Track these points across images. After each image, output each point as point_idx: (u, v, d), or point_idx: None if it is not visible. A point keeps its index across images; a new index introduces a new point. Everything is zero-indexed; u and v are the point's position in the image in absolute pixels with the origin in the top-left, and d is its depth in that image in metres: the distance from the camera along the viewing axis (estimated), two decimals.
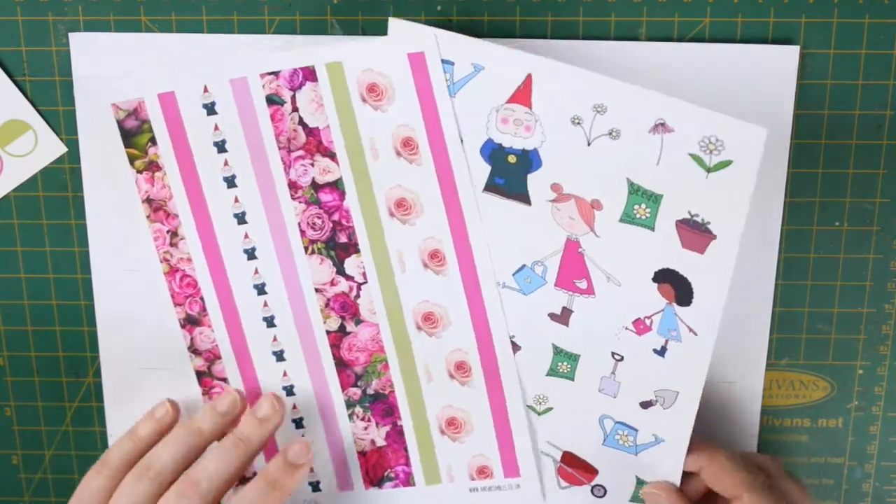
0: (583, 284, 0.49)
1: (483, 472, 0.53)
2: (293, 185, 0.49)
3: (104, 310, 0.52)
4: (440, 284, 0.50)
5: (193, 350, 0.52)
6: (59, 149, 0.50)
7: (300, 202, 0.50)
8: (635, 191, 0.46)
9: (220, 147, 0.49)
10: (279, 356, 0.52)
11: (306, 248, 0.50)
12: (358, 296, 0.51)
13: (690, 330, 0.47)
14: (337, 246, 0.50)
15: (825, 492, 0.55)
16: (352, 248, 0.50)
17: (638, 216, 0.47)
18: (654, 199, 0.46)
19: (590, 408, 0.51)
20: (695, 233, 0.46)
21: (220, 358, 0.52)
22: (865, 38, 0.48)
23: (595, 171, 0.47)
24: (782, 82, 0.48)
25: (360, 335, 0.52)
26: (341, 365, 0.52)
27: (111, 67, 0.49)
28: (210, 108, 0.49)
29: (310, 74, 0.48)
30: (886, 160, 0.50)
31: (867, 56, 0.49)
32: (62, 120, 0.50)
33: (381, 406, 0.52)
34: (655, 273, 0.47)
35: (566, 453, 0.52)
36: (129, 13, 0.49)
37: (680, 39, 0.48)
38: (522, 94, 0.46)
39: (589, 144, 0.46)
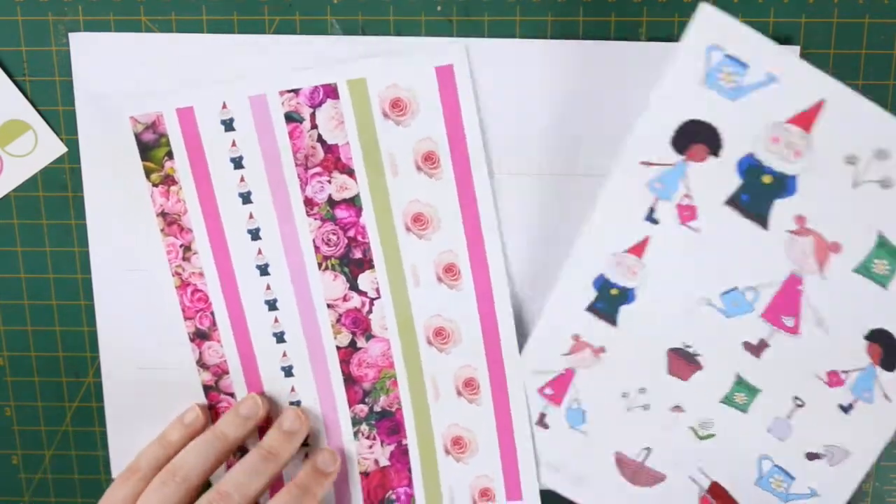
0: (790, 322, 0.47)
1: (485, 494, 0.53)
2: (309, 202, 0.50)
3: (104, 310, 0.52)
4: (454, 299, 0.50)
5: (202, 364, 0.52)
6: (59, 149, 0.50)
7: (315, 219, 0.50)
8: (882, 245, 0.45)
9: (237, 163, 0.49)
10: (287, 371, 0.52)
11: (320, 265, 0.50)
12: (370, 311, 0.51)
13: (885, 396, 0.46)
14: (351, 262, 0.50)
15: None
16: (366, 263, 0.50)
17: (875, 270, 0.45)
18: None
19: (753, 445, 0.49)
20: None
21: (227, 373, 0.52)
22: (865, 38, 0.48)
23: (849, 215, 0.45)
24: None
25: (371, 351, 0.52)
26: (350, 381, 0.52)
27: (112, 68, 0.49)
28: (228, 125, 0.49)
29: (331, 92, 0.48)
30: None
31: (867, 56, 0.48)
32: (62, 120, 0.50)
33: (388, 424, 0.52)
34: (871, 331, 0.46)
35: (714, 484, 0.51)
36: (129, 13, 0.49)
37: (680, 39, 0.48)
38: (806, 117, 0.44)
39: (854, 187, 0.44)
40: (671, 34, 0.48)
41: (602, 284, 0.48)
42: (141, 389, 0.53)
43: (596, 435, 0.51)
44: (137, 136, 0.49)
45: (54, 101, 0.50)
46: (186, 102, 0.49)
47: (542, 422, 0.52)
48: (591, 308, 0.49)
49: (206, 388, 0.52)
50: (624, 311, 0.48)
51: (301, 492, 0.48)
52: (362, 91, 0.48)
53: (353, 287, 0.51)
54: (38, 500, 0.56)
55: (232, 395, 0.52)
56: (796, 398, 0.48)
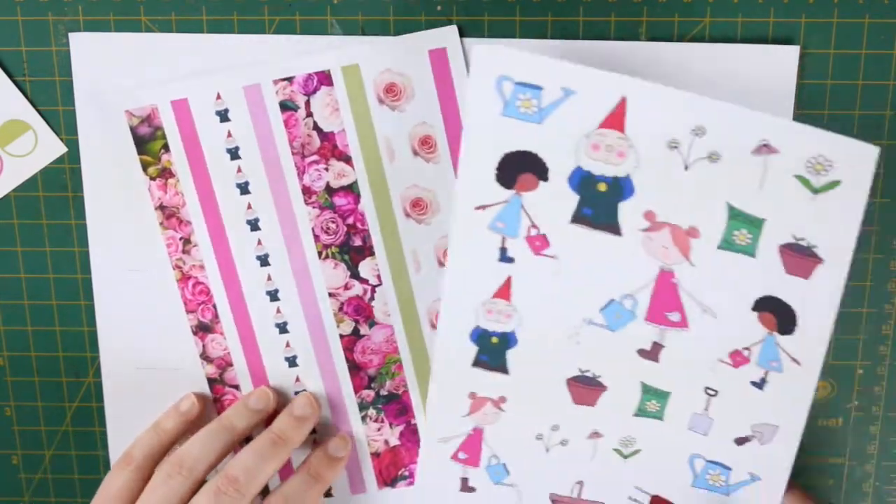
0: (675, 317, 0.46)
1: None
2: (307, 191, 0.50)
3: (104, 310, 0.52)
4: None
5: (205, 357, 0.52)
6: (59, 149, 0.50)
7: (314, 207, 0.50)
8: (736, 216, 0.44)
9: (234, 154, 0.49)
10: (292, 362, 0.52)
11: (320, 253, 0.50)
12: (372, 298, 0.51)
13: (793, 360, 0.45)
14: (351, 249, 0.50)
15: (825, 492, 0.55)
16: (366, 250, 0.50)
17: (738, 242, 0.45)
18: (755, 224, 0.44)
19: (679, 448, 0.49)
20: (800, 257, 0.44)
21: (231, 365, 0.52)
22: (865, 38, 0.48)
23: (692, 197, 0.44)
24: (782, 82, 0.48)
25: (374, 337, 0.52)
26: (354, 368, 0.52)
27: (111, 67, 0.49)
28: (223, 115, 0.49)
29: (325, 78, 0.48)
30: (886, 160, 0.50)
31: (867, 56, 0.49)
32: (62, 120, 0.50)
33: (395, 406, 0.53)
34: (756, 302, 0.45)
35: (655, 497, 0.50)
36: (129, 13, 0.49)
37: (680, 39, 0.48)
38: (615, 119, 0.44)
39: (686, 169, 0.44)
40: (671, 34, 0.48)
41: (480, 336, 0.48)
42: (141, 389, 0.53)
43: (524, 484, 0.51)
44: (133, 130, 0.49)
45: (54, 101, 0.50)
46: (181, 94, 0.49)
47: (465, 486, 0.52)
48: (477, 362, 0.48)
49: (211, 381, 0.52)
50: (511, 356, 0.48)
51: (312, 479, 0.48)
52: (356, 77, 0.48)
53: (354, 275, 0.51)
54: (38, 500, 0.56)
55: (237, 387, 0.52)
56: (708, 389, 0.47)
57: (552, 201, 0.45)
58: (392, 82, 0.48)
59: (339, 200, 0.50)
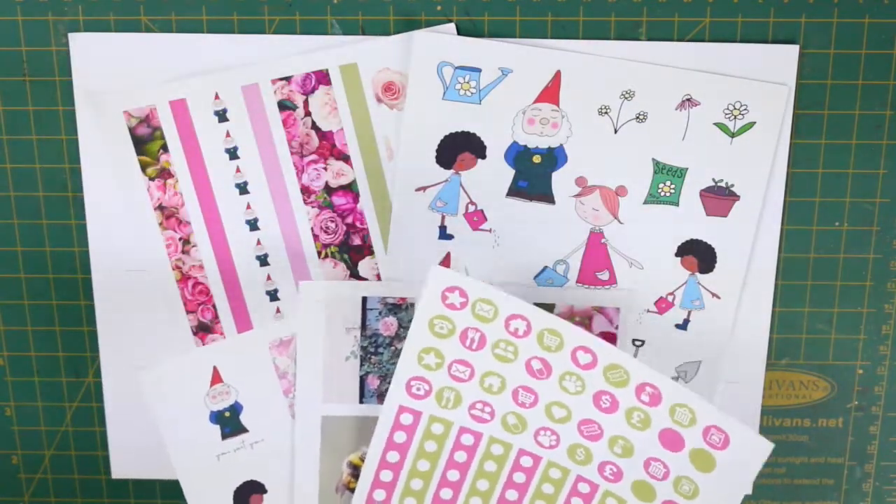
0: (605, 276, 0.49)
1: None
2: (306, 190, 0.50)
3: (104, 310, 0.52)
4: None
5: None
6: None
7: (313, 206, 0.50)
8: (661, 169, 0.48)
9: (232, 154, 0.49)
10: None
11: (319, 253, 0.50)
12: None
13: (714, 295, 0.49)
14: (351, 248, 0.50)
15: (825, 492, 0.55)
16: (366, 250, 0.50)
17: (663, 194, 0.48)
18: (678, 175, 0.48)
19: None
20: (718, 198, 0.48)
21: None
22: (865, 38, 0.48)
23: (621, 158, 0.48)
24: (782, 82, 0.48)
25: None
26: None
27: (111, 67, 0.49)
28: (221, 115, 0.49)
29: (323, 78, 0.48)
30: (886, 160, 0.50)
31: (867, 56, 0.48)
32: (62, 120, 0.50)
33: None
34: (678, 247, 0.49)
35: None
36: (129, 13, 0.49)
37: (680, 39, 0.48)
38: (550, 92, 0.47)
39: (616, 132, 0.48)
40: (671, 34, 0.48)
41: None
42: (141, 389, 0.53)
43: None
44: (132, 131, 0.49)
45: (54, 101, 0.50)
46: (179, 95, 0.49)
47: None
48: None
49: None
50: None
51: None
52: (354, 76, 0.48)
53: (354, 274, 0.51)
54: (38, 500, 0.56)
55: None
56: (634, 341, 0.50)
57: (490, 177, 0.49)
58: (390, 81, 0.48)
59: (339, 200, 0.50)
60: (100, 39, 0.49)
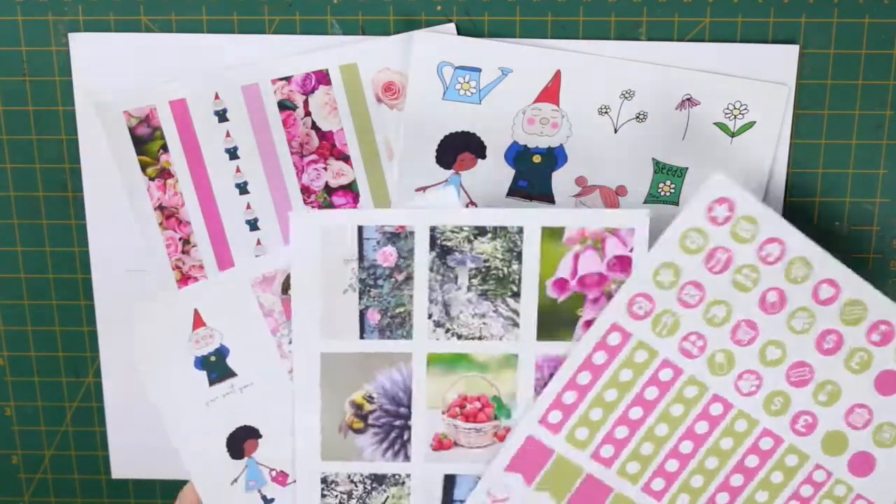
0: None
1: None
2: (306, 190, 0.50)
3: (104, 310, 0.52)
4: None
5: None
6: None
7: (313, 206, 0.50)
8: (661, 169, 0.48)
9: (232, 154, 0.49)
10: None
11: None
12: None
13: None
14: None
15: None
16: None
17: (663, 194, 0.49)
18: (679, 174, 0.48)
19: None
20: None
21: None
22: (865, 38, 0.48)
23: (621, 157, 0.48)
24: (782, 82, 0.48)
25: None
26: None
27: (111, 67, 0.49)
28: (221, 115, 0.49)
29: (323, 78, 0.48)
30: (886, 160, 0.50)
31: (867, 56, 0.48)
32: (62, 120, 0.50)
33: None
34: None
35: None
36: (129, 13, 0.49)
37: (680, 39, 0.48)
38: (550, 92, 0.47)
39: (616, 132, 0.48)
40: (671, 34, 0.48)
41: None
42: (141, 389, 0.53)
43: None
44: (132, 131, 0.49)
45: (54, 101, 0.50)
46: (179, 95, 0.49)
47: None
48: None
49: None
50: None
51: None
52: (354, 76, 0.48)
53: None
54: (38, 500, 0.56)
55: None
56: None
57: (490, 177, 0.49)
58: (390, 81, 0.48)
59: (339, 199, 0.50)
60: (100, 39, 0.49)
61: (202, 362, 0.48)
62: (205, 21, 0.49)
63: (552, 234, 0.45)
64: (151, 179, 0.50)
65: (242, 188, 0.50)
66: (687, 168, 0.48)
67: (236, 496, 0.49)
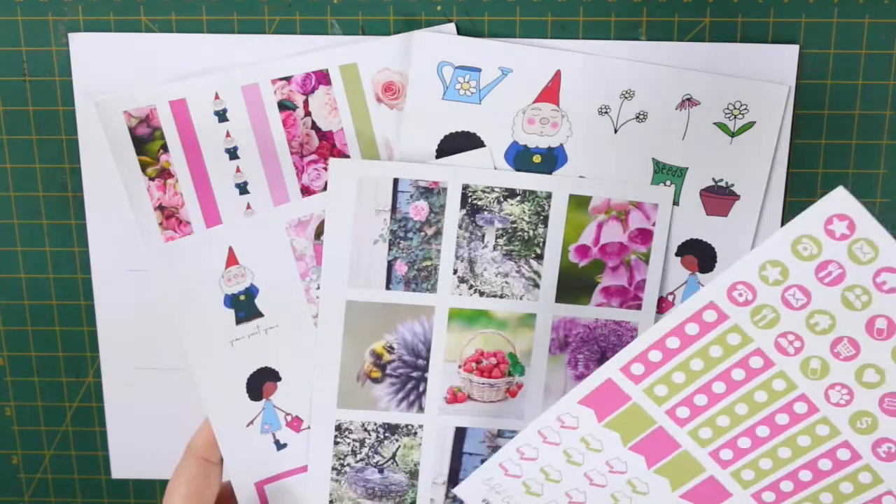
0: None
1: None
2: (306, 190, 0.50)
3: (104, 310, 0.52)
4: None
5: None
6: None
7: None
8: (661, 169, 0.48)
9: (232, 154, 0.49)
10: None
11: None
12: None
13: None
14: None
15: None
16: None
17: None
18: (678, 174, 0.48)
19: None
20: (719, 198, 0.48)
21: None
22: (865, 38, 0.48)
23: (621, 157, 0.48)
24: (782, 82, 0.48)
25: None
26: None
27: (111, 67, 0.49)
28: (221, 115, 0.49)
29: (323, 78, 0.48)
30: (886, 160, 0.50)
31: (867, 56, 0.48)
32: (62, 120, 0.50)
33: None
34: (678, 247, 0.49)
35: None
36: (129, 13, 0.49)
37: (680, 39, 0.48)
38: (550, 92, 0.47)
39: (616, 132, 0.48)
40: (671, 34, 0.48)
41: None
42: (141, 389, 0.53)
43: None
44: (131, 131, 0.49)
45: (54, 101, 0.50)
46: (179, 95, 0.49)
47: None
48: None
49: None
50: None
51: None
52: (354, 76, 0.48)
53: None
54: (38, 500, 0.56)
55: None
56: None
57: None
58: (390, 81, 0.48)
59: None
60: (100, 39, 0.49)
61: (232, 300, 0.49)
62: (205, 21, 0.49)
63: (579, 203, 0.48)
64: (151, 179, 0.50)
65: (242, 188, 0.50)
66: (687, 168, 0.48)
67: (250, 437, 0.50)
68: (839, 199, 0.42)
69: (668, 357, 0.45)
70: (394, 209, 0.48)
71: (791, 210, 0.50)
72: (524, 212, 0.47)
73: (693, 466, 0.47)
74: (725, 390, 0.45)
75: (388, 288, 0.48)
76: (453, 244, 0.48)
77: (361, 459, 0.50)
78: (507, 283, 0.48)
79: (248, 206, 0.50)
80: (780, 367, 0.44)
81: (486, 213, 0.47)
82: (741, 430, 0.46)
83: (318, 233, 0.48)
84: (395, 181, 0.47)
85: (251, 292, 0.48)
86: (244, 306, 0.49)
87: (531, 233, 0.47)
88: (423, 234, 0.48)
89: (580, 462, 0.46)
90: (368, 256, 0.48)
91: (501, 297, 0.48)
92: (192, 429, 0.49)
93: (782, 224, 0.50)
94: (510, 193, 0.47)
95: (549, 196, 0.47)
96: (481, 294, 0.48)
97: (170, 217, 0.50)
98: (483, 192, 0.47)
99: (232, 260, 0.48)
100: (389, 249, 0.48)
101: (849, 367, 0.44)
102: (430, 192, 0.48)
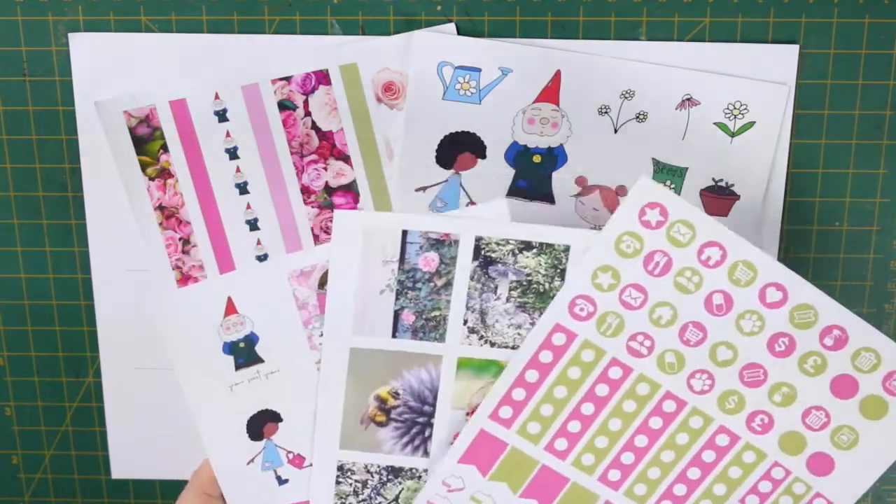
0: None
1: None
2: (306, 190, 0.50)
3: (104, 310, 0.52)
4: None
5: None
6: None
7: (313, 207, 0.50)
8: (661, 169, 0.48)
9: (232, 154, 0.49)
10: None
11: None
12: None
13: None
14: None
15: None
16: None
17: None
18: (679, 174, 0.48)
19: None
20: (719, 198, 0.48)
21: None
22: (865, 38, 0.48)
23: (621, 157, 0.48)
24: (782, 82, 0.48)
25: None
26: None
27: (111, 67, 0.49)
28: (221, 115, 0.49)
29: (323, 78, 0.48)
30: (886, 160, 0.50)
31: (867, 56, 0.48)
32: (62, 120, 0.50)
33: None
34: None
35: None
36: (129, 13, 0.49)
37: (680, 39, 0.48)
38: (550, 92, 0.48)
39: (616, 132, 0.48)
40: (671, 34, 0.48)
41: None
42: (141, 389, 0.53)
43: None
44: (132, 131, 0.49)
45: (54, 101, 0.50)
46: (179, 95, 0.49)
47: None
48: None
49: None
50: None
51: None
52: (354, 76, 0.48)
53: None
54: (38, 500, 0.56)
55: None
56: None
57: (490, 177, 0.49)
58: (390, 81, 0.48)
59: (339, 199, 0.50)
60: (100, 39, 0.49)
61: (230, 347, 0.48)
62: (205, 21, 0.49)
63: None
64: (151, 179, 0.50)
65: (242, 188, 0.50)
66: (687, 168, 0.48)
67: (251, 475, 0.49)
68: (645, 189, 0.42)
69: (532, 392, 0.46)
70: (402, 260, 0.47)
71: (791, 210, 0.50)
72: (540, 264, 0.46)
73: (586, 497, 0.47)
74: (594, 410, 0.46)
75: (394, 336, 0.48)
76: (464, 295, 0.47)
77: (364, 500, 0.49)
78: (519, 334, 0.47)
79: (248, 207, 0.50)
80: (639, 370, 0.45)
81: (499, 265, 0.46)
82: (621, 445, 0.46)
83: (322, 282, 0.48)
84: (404, 233, 0.46)
85: (251, 339, 0.49)
86: (244, 353, 0.49)
87: (547, 286, 0.46)
88: (432, 284, 0.47)
89: None
90: (374, 306, 0.47)
91: (514, 348, 0.47)
92: (192, 429, 0.49)
93: (782, 224, 0.50)
94: (526, 246, 0.46)
95: (566, 249, 0.46)
96: (492, 345, 0.47)
97: (170, 217, 0.50)
98: (497, 244, 0.46)
99: (231, 309, 0.48)
100: (397, 299, 0.47)
101: (701, 352, 0.44)
102: (441, 243, 0.47)
